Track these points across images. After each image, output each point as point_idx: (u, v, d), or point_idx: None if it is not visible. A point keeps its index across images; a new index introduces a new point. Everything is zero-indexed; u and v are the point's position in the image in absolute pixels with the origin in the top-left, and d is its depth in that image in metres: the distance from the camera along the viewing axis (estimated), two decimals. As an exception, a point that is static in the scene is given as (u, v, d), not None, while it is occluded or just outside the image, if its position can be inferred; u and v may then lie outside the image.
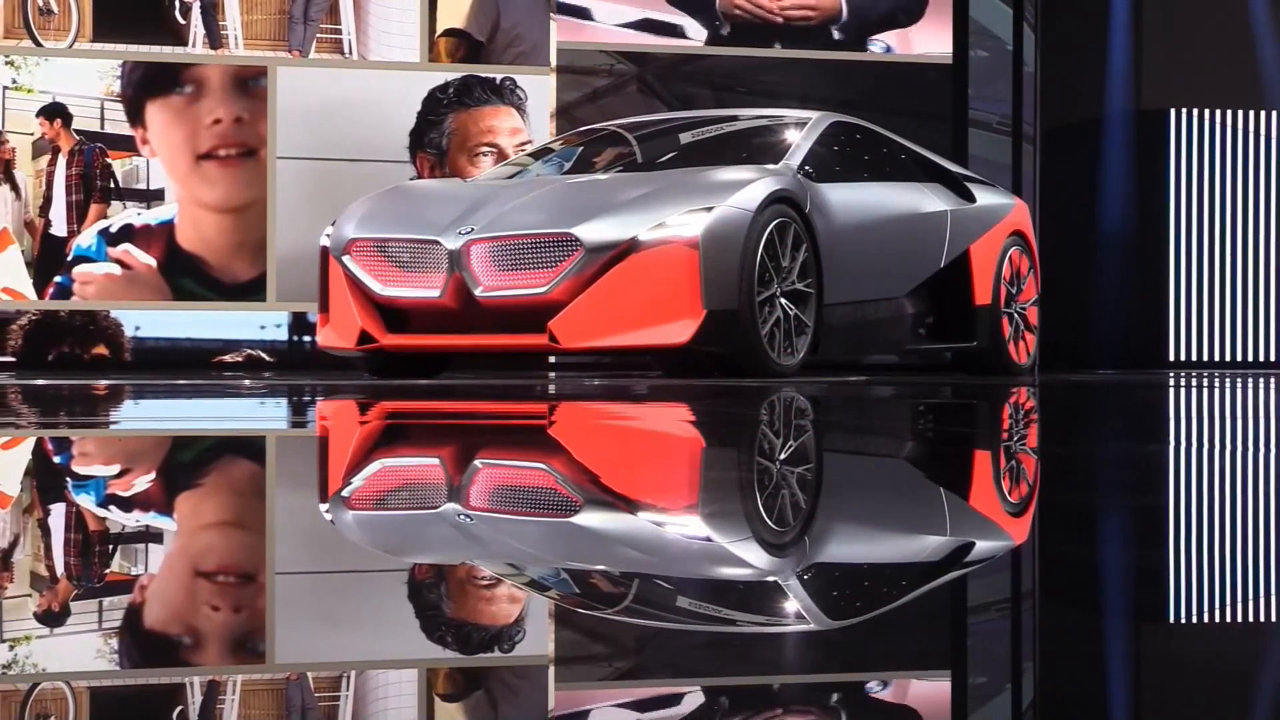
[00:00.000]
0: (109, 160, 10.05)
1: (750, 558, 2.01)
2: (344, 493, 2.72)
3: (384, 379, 7.11)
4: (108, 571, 1.95)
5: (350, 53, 10.34)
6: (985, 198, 8.55)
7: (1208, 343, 12.33)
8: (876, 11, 11.02)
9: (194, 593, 1.80)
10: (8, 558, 2.00)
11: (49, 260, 9.98)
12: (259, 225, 10.16)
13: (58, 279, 9.98)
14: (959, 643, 1.61)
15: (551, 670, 1.44)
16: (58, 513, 2.49)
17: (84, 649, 1.52)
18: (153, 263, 10.05)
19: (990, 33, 11.32)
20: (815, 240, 6.99)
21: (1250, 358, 12.42)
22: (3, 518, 2.38)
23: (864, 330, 7.54)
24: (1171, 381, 8.75)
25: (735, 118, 8.14)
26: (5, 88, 10.01)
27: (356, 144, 10.24)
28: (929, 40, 11.06)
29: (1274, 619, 1.70)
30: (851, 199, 7.45)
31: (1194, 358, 12.30)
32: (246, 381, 7.73)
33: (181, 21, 10.18)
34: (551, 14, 10.58)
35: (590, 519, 2.39)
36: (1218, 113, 12.35)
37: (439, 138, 10.33)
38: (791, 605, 1.74)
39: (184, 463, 3.45)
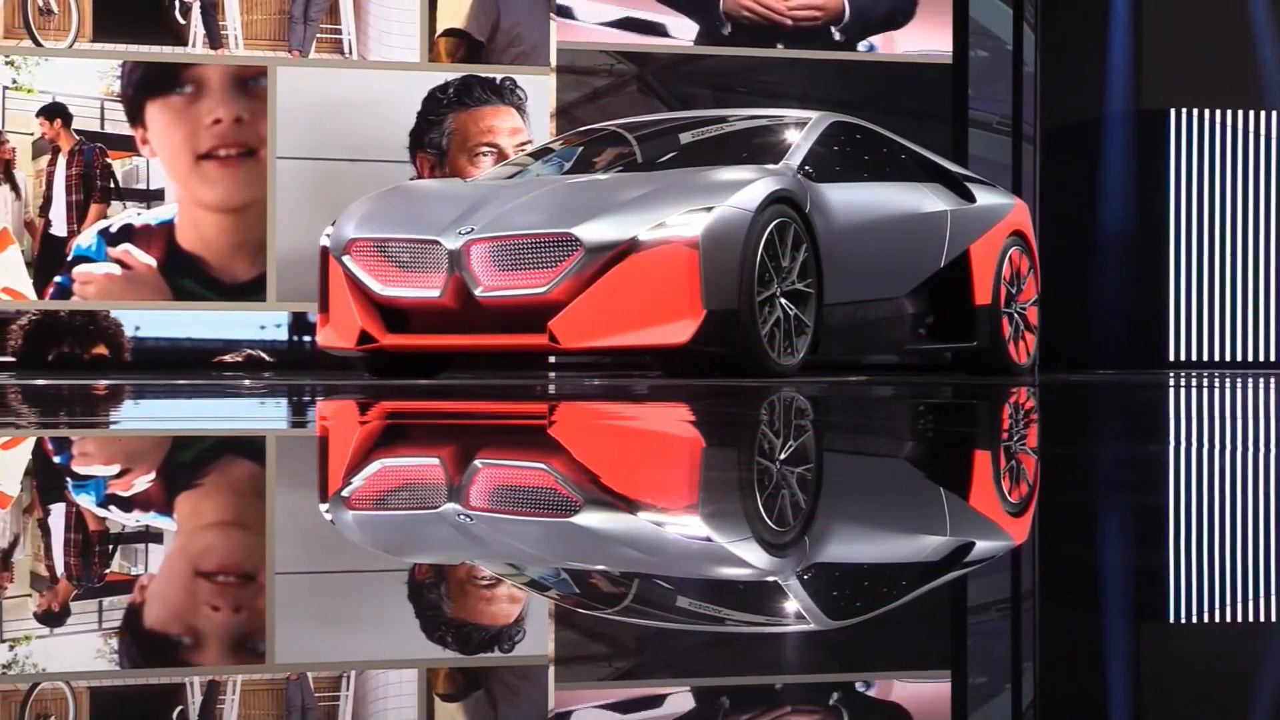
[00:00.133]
0: (109, 160, 10.05)
1: (750, 558, 2.01)
2: (344, 493, 2.72)
3: (384, 379, 7.11)
4: (108, 571, 1.95)
5: (350, 53, 10.34)
6: (985, 198, 8.55)
7: (1208, 343, 12.33)
8: (877, 12, 11.03)
9: (194, 593, 1.80)
10: (8, 558, 2.00)
11: (49, 260, 9.98)
12: (259, 225, 10.16)
13: (58, 279, 9.98)
14: (959, 643, 1.61)
15: (551, 670, 1.44)
16: (58, 513, 2.49)
17: (84, 649, 1.52)
18: (153, 263, 10.05)
19: (990, 33, 11.32)
20: (815, 240, 6.99)
21: (1250, 358, 12.42)
22: (3, 518, 2.38)
23: (864, 330, 7.54)
24: (1171, 381, 8.75)
25: (735, 118, 8.14)
26: (5, 88, 10.01)
27: (356, 144, 10.24)
28: (917, 39, 11.04)
29: (1274, 619, 1.70)
30: (851, 199, 7.45)
31: (1194, 358, 12.30)
32: (246, 381, 7.74)
33: (181, 21, 10.18)
34: (552, 14, 10.58)
35: (590, 519, 2.39)
36: (1218, 113, 12.35)
37: (439, 138, 10.33)
38: (791, 605, 1.74)
39: (184, 463, 3.45)
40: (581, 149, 8.04)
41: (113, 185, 10.05)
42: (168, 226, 10.07)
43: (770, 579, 1.88)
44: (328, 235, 7.09)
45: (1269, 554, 2.12)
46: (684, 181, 6.82)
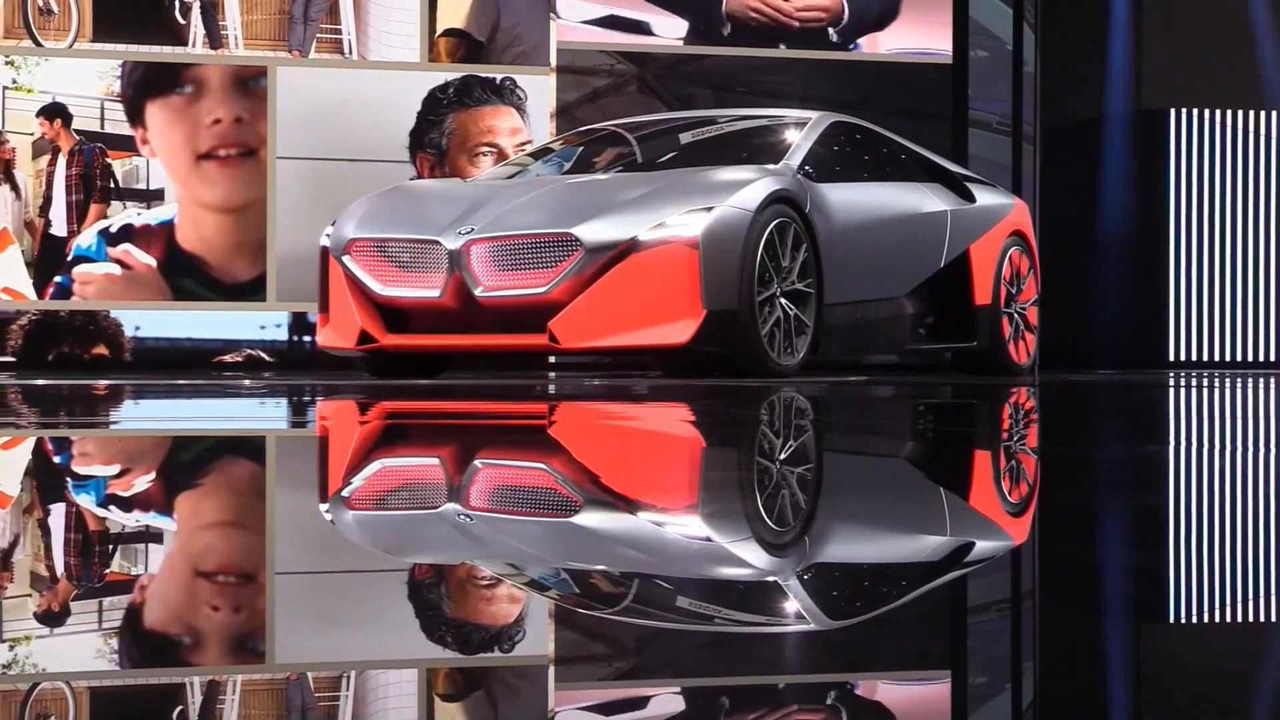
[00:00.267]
0: (109, 160, 10.05)
1: (750, 558, 2.01)
2: (344, 493, 2.72)
3: (384, 379, 7.11)
4: (108, 571, 1.95)
5: (350, 53, 10.34)
6: (985, 198, 8.55)
7: (1208, 343, 12.33)
8: (871, 13, 11.03)
9: (194, 593, 1.80)
10: (8, 558, 2.00)
11: (49, 260, 9.98)
12: (259, 225, 10.16)
13: (58, 279, 9.98)
14: (959, 643, 1.61)
15: (551, 670, 1.44)
16: (58, 513, 2.49)
17: (84, 649, 1.52)
18: (153, 263, 10.05)
19: (990, 33, 11.32)
20: (815, 240, 6.99)
21: (1250, 358, 12.42)
22: (3, 518, 2.38)
23: (864, 330, 7.54)
24: (1171, 381, 8.75)
25: (736, 118, 8.14)
26: (5, 88, 10.01)
27: (356, 144, 10.24)
28: (902, 38, 11.03)
29: (1274, 619, 1.70)
30: (851, 199, 7.45)
31: (1194, 358, 12.30)
32: (246, 381, 7.74)
33: (181, 21, 10.18)
34: (552, 14, 10.58)
35: (590, 519, 2.39)
36: (1218, 113, 12.35)
37: (439, 138, 10.33)
38: (791, 605, 1.74)
39: (184, 463, 3.45)
40: (581, 149, 8.04)
41: (113, 185, 10.05)
42: (168, 226, 10.07)
43: (770, 579, 1.88)
44: (328, 235, 7.09)
45: (1269, 554, 2.12)
46: (684, 181, 6.82)
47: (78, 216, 10.00)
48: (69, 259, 9.98)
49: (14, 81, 10.00)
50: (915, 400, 6.06)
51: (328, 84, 10.26)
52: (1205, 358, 12.32)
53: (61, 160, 10.01)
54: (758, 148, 7.61)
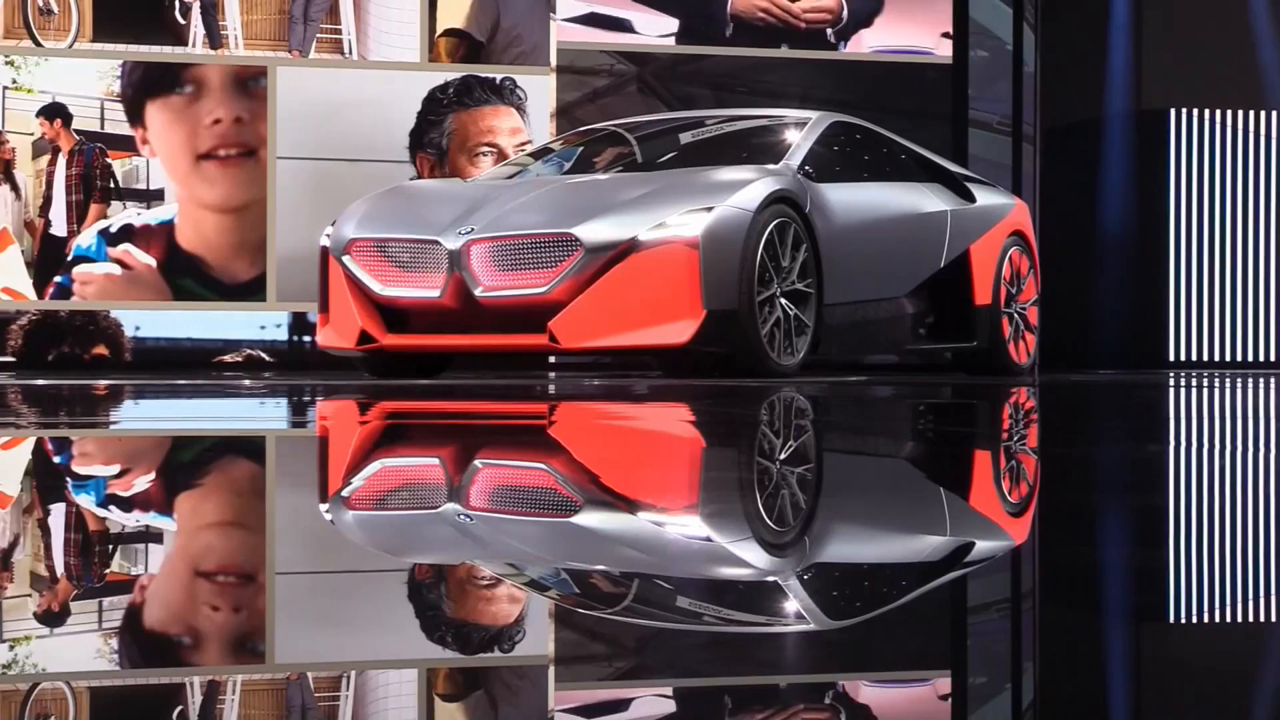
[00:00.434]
0: (109, 160, 10.05)
1: (750, 558, 2.01)
2: (344, 493, 2.72)
3: (384, 379, 7.11)
4: (108, 571, 1.95)
5: (350, 53, 10.34)
6: (985, 198, 8.55)
7: (1208, 343, 12.33)
8: (865, 12, 11.04)
9: (194, 593, 1.80)
10: (8, 558, 2.00)
11: (49, 260, 9.98)
12: (259, 225, 10.16)
13: (58, 279, 9.98)
14: (959, 643, 1.61)
15: (551, 670, 1.44)
16: (58, 513, 2.49)
17: (84, 649, 1.52)
18: (153, 263, 10.05)
19: (990, 33, 11.32)
20: (815, 240, 6.99)
21: (1250, 358, 12.42)
22: (3, 518, 2.38)
23: (864, 330, 7.54)
24: (1171, 381, 8.75)
25: (735, 118, 8.14)
26: (5, 88, 10.01)
27: (356, 144, 10.24)
28: (888, 36, 11.02)
29: (1274, 619, 1.70)
30: (851, 199, 7.45)
31: (1194, 358, 12.30)
32: (246, 381, 7.74)
33: (181, 21, 10.18)
34: (551, 14, 10.58)
35: (590, 519, 2.39)
36: (1218, 113, 12.35)
37: (439, 138, 10.33)
38: (791, 605, 1.74)
39: (184, 463, 3.45)
40: (581, 149, 8.04)
41: (113, 185, 10.05)
42: (168, 226, 10.07)
43: (770, 579, 1.88)
44: (328, 235, 7.09)
45: (1269, 554, 2.12)
46: (684, 181, 6.82)
47: (78, 216, 10.01)
48: (69, 259, 9.98)
49: (14, 81, 10.01)
50: (915, 400, 6.06)
51: (328, 84, 10.26)
52: (1205, 358, 12.32)
53: (61, 160, 10.02)
54: (758, 148, 7.61)
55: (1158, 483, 2.93)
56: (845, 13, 10.97)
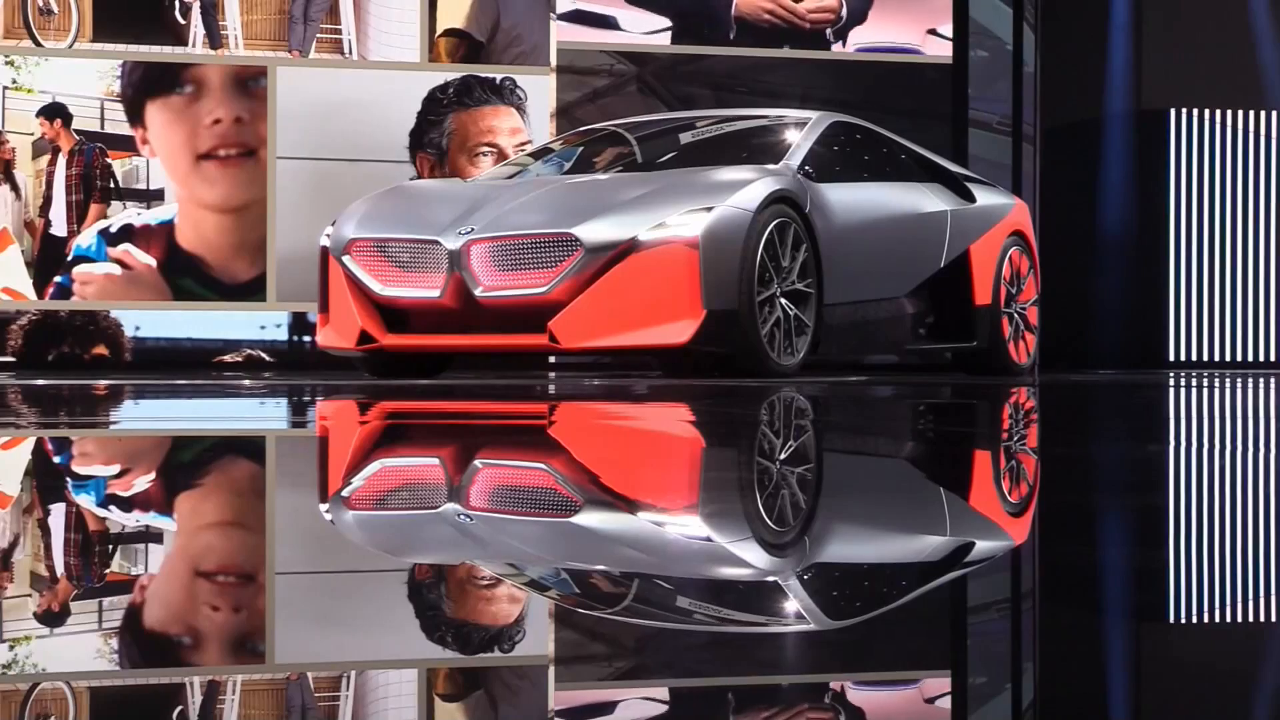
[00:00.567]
0: (109, 160, 10.05)
1: (750, 558, 2.01)
2: (344, 493, 2.72)
3: (384, 379, 7.11)
4: (108, 571, 1.95)
5: (350, 53, 10.34)
6: (985, 198, 8.55)
7: (1208, 343, 12.33)
8: (861, 10, 11.04)
9: (194, 593, 1.80)
10: (8, 558, 2.00)
11: (49, 260, 9.98)
12: (259, 225, 10.16)
13: (58, 279, 9.98)
14: (959, 643, 1.61)
15: (551, 670, 1.44)
16: (58, 513, 2.49)
17: (84, 649, 1.52)
18: (153, 263, 10.05)
19: (990, 33, 11.32)
20: (815, 240, 6.99)
21: (1250, 358, 12.42)
22: (3, 518, 2.38)
23: (864, 330, 7.54)
24: (1171, 381, 8.75)
25: (735, 118, 8.14)
26: (5, 88, 10.01)
27: (356, 144, 10.24)
28: (875, 34, 11.02)
29: (1274, 619, 1.70)
30: (851, 199, 7.45)
31: (1194, 358, 12.31)
32: (246, 381, 7.73)
33: (181, 21, 10.18)
34: (552, 14, 10.58)
35: (590, 519, 2.39)
36: (1218, 113, 12.35)
37: (439, 138, 10.33)
38: (791, 605, 1.74)
39: (184, 463, 3.45)
40: (581, 149, 8.04)
41: (113, 185, 10.05)
42: (168, 226, 10.07)
43: (770, 579, 1.88)
44: (328, 235, 7.10)
45: (1269, 554, 2.12)
46: (684, 181, 6.82)
47: (78, 216, 10.01)
48: (69, 259, 9.98)
49: (14, 81, 10.01)
50: (915, 400, 6.06)
51: (328, 84, 10.26)
52: (1205, 358, 12.32)
53: (61, 160, 10.02)
54: (758, 148, 7.61)
55: (1158, 483, 2.93)
56: (844, 11, 10.98)
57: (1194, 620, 1.67)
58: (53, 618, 1.65)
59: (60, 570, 1.94)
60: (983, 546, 2.18)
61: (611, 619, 1.65)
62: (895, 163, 8.22)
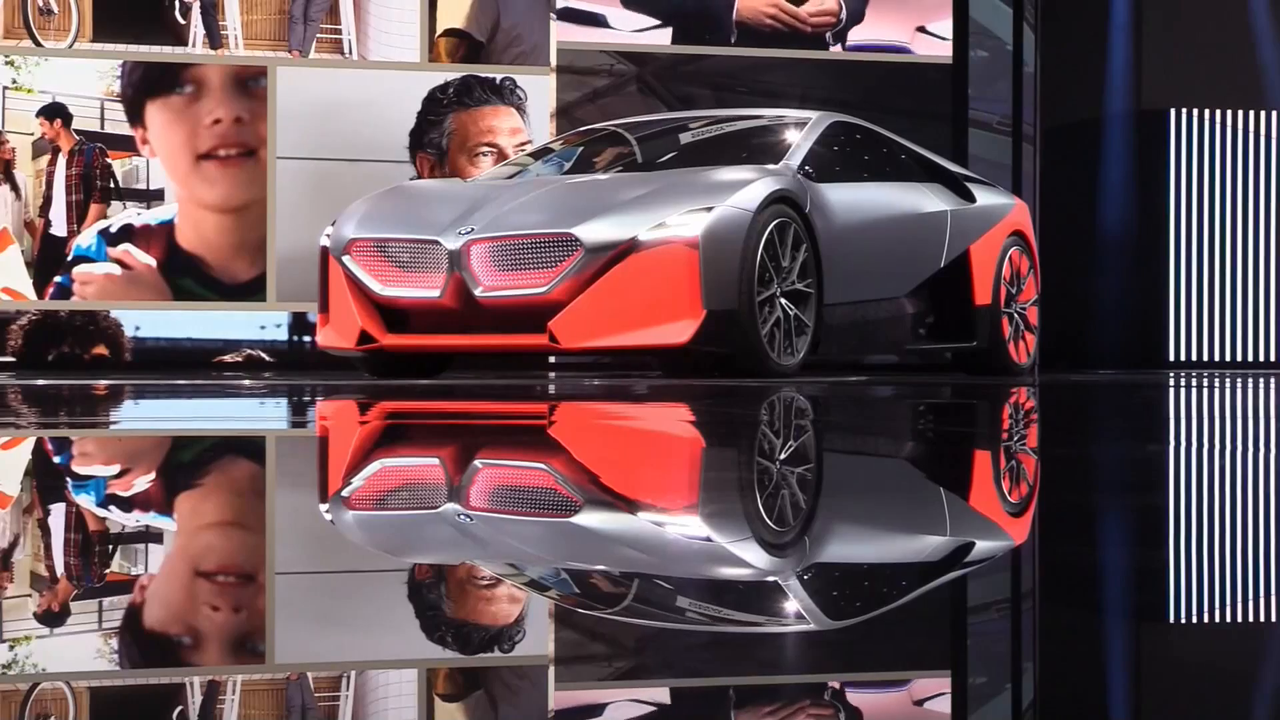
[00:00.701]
0: (109, 160, 10.05)
1: (750, 558, 2.01)
2: (344, 493, 2.72)
3: (384, 379, 7.11)
4: (108, 571, 1.95)
5: (350, 53, 10.34)
6: (985, 198, 8.55)
7: (1208, 343, 12.33)
8: (860, 12, 11.04)
9: (194, 593, 1.80)
10: (8, 558, 2.00)
11: (49, 260, 9.98)
12: (259, 225, 10.16)
13: (58, 279, 9.98)
14: (959, 643, 1.61)
15: (551, 670, 1.44)
16: (58, 513, 2.49)
17: (84, 649, 1.52)
18: (153, 263, 10.05)
19: (990, 33, 11.32)
20: (815, 240, 6.99)
21: (1250, 358, 12.42)
22: (3, 518, 2.38)
23: (864, 330, 7.54)
24: (1171, 381, 8.75)
25: (735, 118, 8.14)
26: (5, 88, 10.01)
27: (356, 144, 10.24)
28: (865, 33, 11.01)
29: (1274, 619, 1.70)
30: (851, 199, 7.45)
31: (1194, 358, 12.31)
32: (246, 381, 7.74)
33: (181, 21, 10.18)
34: (552, 14, 10.58)
35: (590, 519, 2.39)
36: (1218, 113, 12.35)
37: (439, 138, 10.33)
38: (791, 605, 1.74)
39: (184, 463, 3.45)
40: (581, 149, 8.04)
41: (113, 185, 10.05)
42: (168, 226, 10.07)
43: (770, 579, 1.88)
44: (327, 235, 7.10)
45: (1269, 554, 2.12)
46: (684, 181, 6.82)
47: (78, 216, 10.01)
48: (69, 259, 9.98)
49: (14, 81, 10.01)
50: (915, 400, 6.06)
51: (328, 84, 10.26)
52: (1205, 358, 12.32)
53: (61, 160, 10.02)
54: (758, 148, 7.61)
55: (1158, 483, 2.93)
56: (844, 13, 10.98)
57: (1194, 620, 1.67)
58: (53, 618, 1.65)
59: (60, 570, 1.94)
60: (983, 546, 2.18)
61: (611, 619, 1.65)
62: (895, 163, 8.22)
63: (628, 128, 8.21)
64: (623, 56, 10.71)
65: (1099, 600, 1.80)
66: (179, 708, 1.31)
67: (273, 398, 6.15)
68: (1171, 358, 12.29)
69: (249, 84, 10.20)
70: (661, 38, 10.79)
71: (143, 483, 2.98)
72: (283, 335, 10.23)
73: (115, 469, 3.26)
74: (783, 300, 6.82)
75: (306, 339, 10.17)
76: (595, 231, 6.52)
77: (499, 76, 10.44)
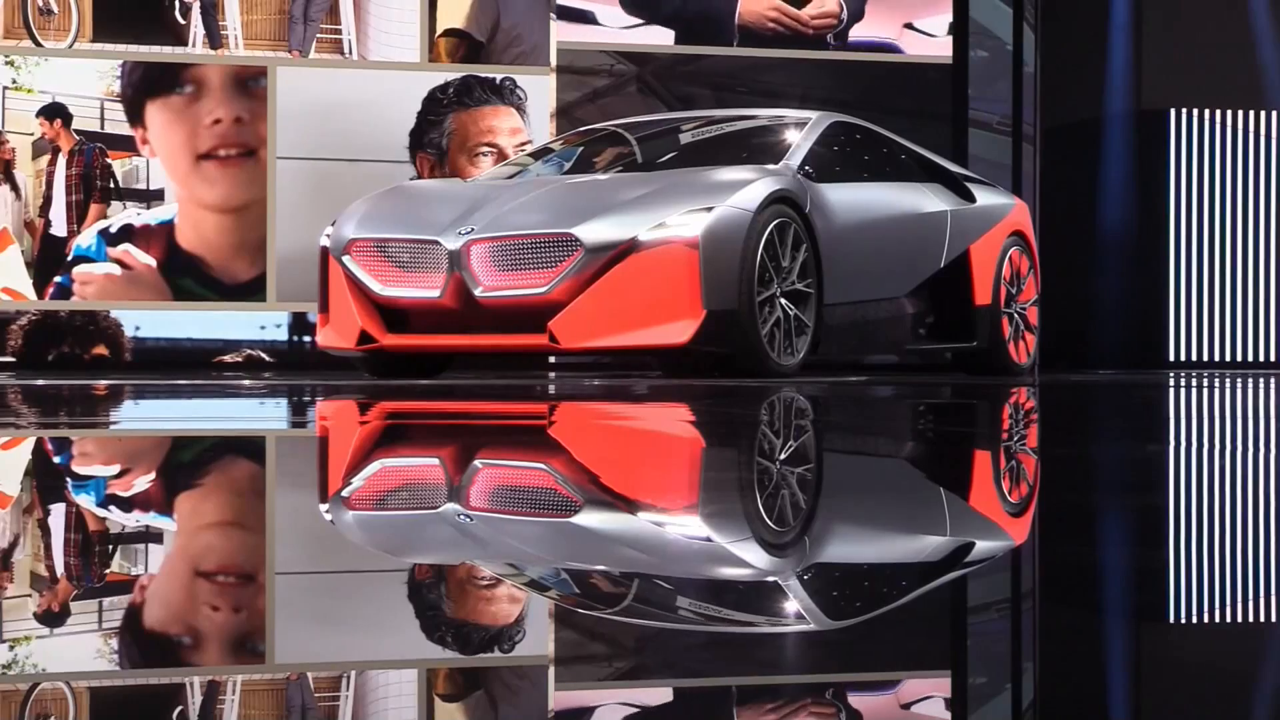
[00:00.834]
0: (109, 160, 10.05)
1: (750, 558, 2.01)
2: (344, 493, 2.72)
3: (384, 379, 7.11)
4: (108, 571, 1.95)
5: (350, 53, 10.34)
6: (985, 198, 8.55)
7: (1208, 343, 12.33)
8: (861, 13, 11.03)
9: (194, 593, 1.80)
10: (8, 558, 2.00)
11: (49, 260, 9.98)
12: (259, 225, 10.16)
13: (58, 279, 9.98)
14: (959, 643, 1.61)
15: (551, 670, 1.44)
16: (58, 513, 2.49)
17: (84, 649, 1.52)
18: (153, 263, 10.05)
19: (990, 33, 11.32)
20: (815, 240, 6.99)
21: (1250, 358, 12.42)
22: (3, 518, 2.38)
23: (864, 330, 7.54)
24: (1171, 381, 8.75)
25: (735, 118, 8.14)
26: (5, 88, 10.01)
27: (356, 144, 10.24)
28: (861, 32, 11.01)
29: (1274, 619, 1.70)
30: (851, 199, 7.45)
31: (1194, 358, 12.31)
32: (246, 381, 7.73)
33: (181, 21, 10.18)
34: (552, 14, 10.58)
35: (590, 519, 2.39)
36: (1218, 113, 12.35)
37: (439, 138, 10.33)
38: (791, 605, 1.74)
39: (184, 463, 3.45)
40: (581, 149, 8.04)
41: (113, 185, 10.05)
42: (168, 226, 10.07)
43: (770, 579, 1.88)
44: (327, 235, 7.09)
45: (1269, 554, 2.12)
46: (684, 181, 6.82)
47: (78, 216, 10.01)
48: (69, 259, 9.98)
49: (14, 81, 10.01)
50: (915, 400, 6.06)
51: (328, 84, 10.26)
52: (1205, 358, 12.32)
53: (61, 160, 10.02)
54: (758, 148, 7.61)
55: (1158, 483, 2.93)
56: (845, 14, 10.98)
57: (1194, 620, 1.67)
58: (53, 618, 1.65)
59: (60, 570, 1.94)
60: (983, 547, 2.18)
61: (611, 619, 1.65)
62: (895, 163, 8.22)
63: (628, 128, 8.21)
64: (623, 56, 10.71)
65: (1099, 600, 1.80)
66: (179, 708, 1.31)
67: (273, 398, 6.15)
68: (1171, 358, 12.28)
69: (249, 84, 10.20)
70: (663, 38, 10.78)
71: (143, 483, 2.98)
72: (283, 335, 10.23)
73: (115, 469, 3.26)
74: (783, 300, 6.82)
75: (306, 339, 10.17)
76: (595, 231, 6.52)
77: (499, 76, 10.44)
